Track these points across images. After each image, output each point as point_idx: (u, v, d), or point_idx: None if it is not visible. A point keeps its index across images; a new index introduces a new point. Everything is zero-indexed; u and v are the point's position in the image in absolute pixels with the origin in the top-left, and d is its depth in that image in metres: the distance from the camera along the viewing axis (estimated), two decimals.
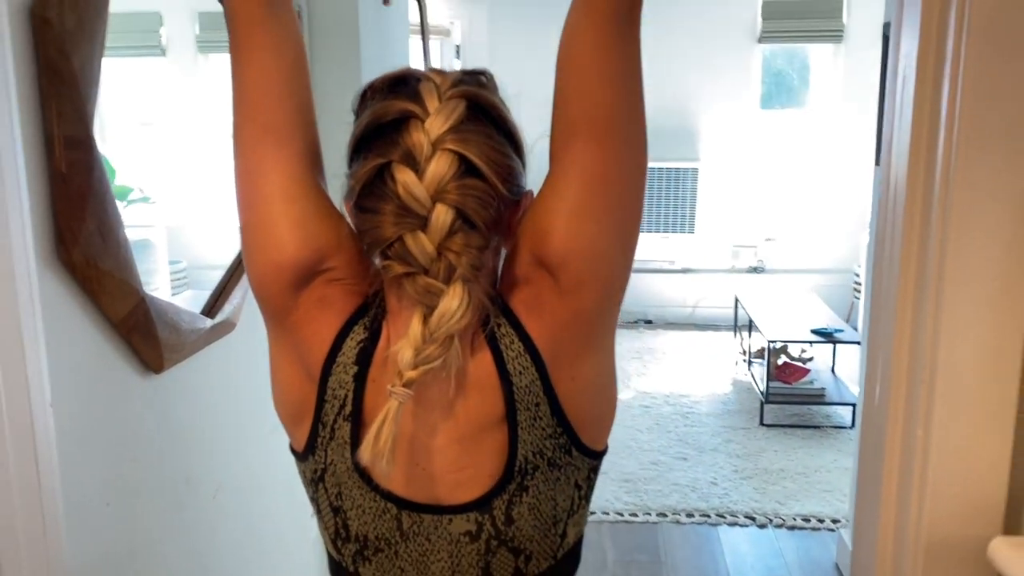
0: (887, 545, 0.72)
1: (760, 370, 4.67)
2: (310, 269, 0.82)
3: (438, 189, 0.74)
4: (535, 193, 0.83)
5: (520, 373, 0.80)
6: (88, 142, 1.08)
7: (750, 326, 4.91)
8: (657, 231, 6.54)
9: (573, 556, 0.91)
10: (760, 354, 4.85)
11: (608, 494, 3.75)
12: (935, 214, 0.63)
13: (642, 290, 6.70)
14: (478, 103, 0.78)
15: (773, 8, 5.86)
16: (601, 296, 0.81)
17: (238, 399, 1.62)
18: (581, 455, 0.85)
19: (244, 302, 1.61)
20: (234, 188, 0.83)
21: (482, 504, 0.83)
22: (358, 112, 0.82)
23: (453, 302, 0.75)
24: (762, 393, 4.45)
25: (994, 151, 0.60)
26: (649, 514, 3.60)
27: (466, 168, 0.75)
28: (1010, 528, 0.68)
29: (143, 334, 1.23)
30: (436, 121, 0.75)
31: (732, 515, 3.56)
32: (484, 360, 0.81)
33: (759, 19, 5.91)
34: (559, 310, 0.80)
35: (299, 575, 1.97)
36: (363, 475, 0.82)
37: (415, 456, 0.82)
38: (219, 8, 0.86)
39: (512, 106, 0.87)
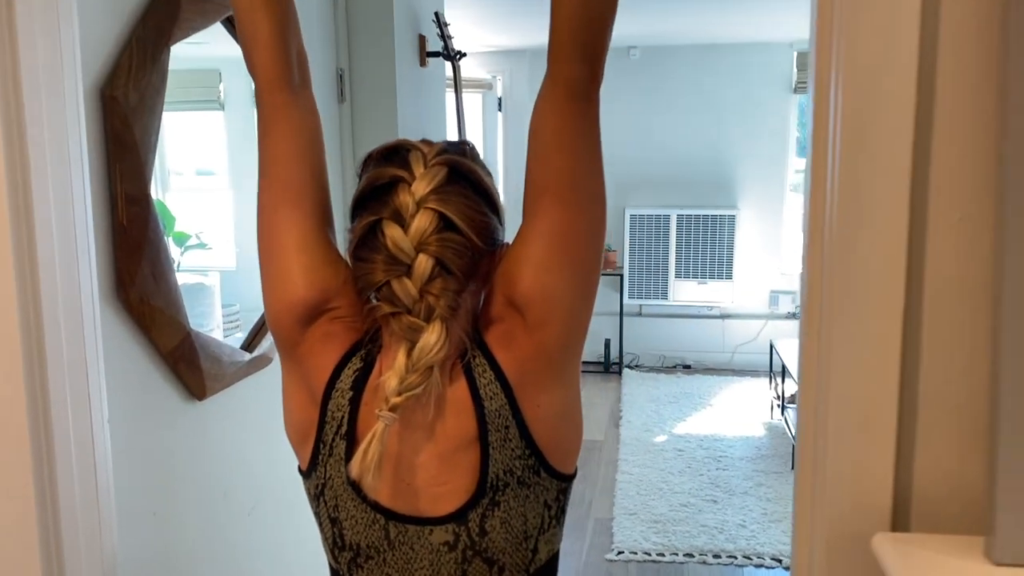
0: (804, 545, 0.83)
1: (794, 415, 4.70)
2: (316, 308, 0.96)
3: (420, 241, 0.87)
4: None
5: (491, 398, 0.92)
6: (145, 199, 1.27)
7: (783, 371, 4.96)
8: (695, 277, 6.62)
9: (546, 573, 1.01)
10: (793, 399, 4.88)
11: (636, 534, 3.82)
12: (827, 258, 0.75)
13: (681, 335, 6.77)
14: (458, 169, 0.92)
15: (808, 59, 5.98)
16: (562, 334, 0.93)
17: (272, 426, 1.78)
18: (549, 476, 0.95)
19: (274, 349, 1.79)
20: (256, 238, 1.00)
21: (459, 516, 0.93)
22: (363, 164, 0.98)
23: (432, 337, 0.87)
24: (794, 438, 4.47)
25: (867, 215, 0.72)
26: (676, 554, 3.65)
27: (445, 224, 0.88)
28: (897, 526, 0.78)
29: (188, 364, 1.41)
30: (420, 184, 0.89)
31: (759, 557, 3.60)
32: (460, 387, 0.93)
33: (794, 70, 6.04)
34: (526, 344, 0.93)
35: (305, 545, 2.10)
36: (355, 488, 0.94)
37: (400, 472, 0.94)
38: None
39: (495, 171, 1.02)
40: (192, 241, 2.37)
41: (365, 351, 0.96)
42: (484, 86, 6.16)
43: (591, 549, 3.74)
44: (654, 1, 4.71)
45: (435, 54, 3.06)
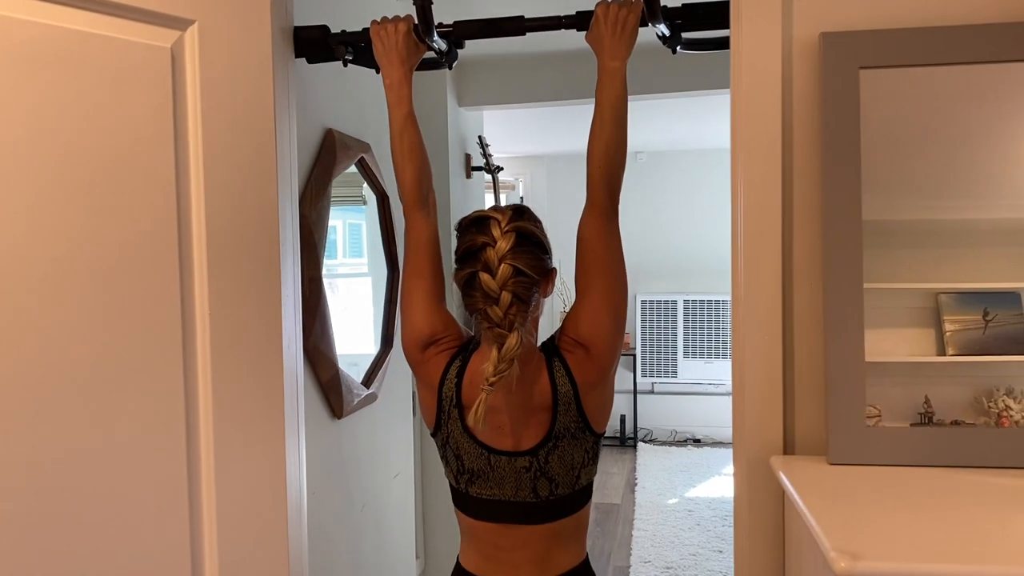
0: (739, 464, 1.45)
1: None
2: (429, 339, 1.57)
3: (502, 284, 1.41)
4: (560, 275, 1.59)
5: (562, 386, 1.50)
6: (319, 278, 1.94)
7: None
8: (702, 357, 7.23)
9: (585, 492, 1.58)
10: None
11: None
12: (741, 309, 1.39)
13: (690, 412, 7.32)
14: (523, 233, 1.45)
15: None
16: (610, 359, 1.53)
17: (376, 444, 2.41)
18: (590, 434, 1.54)
19: (381, 387, 2.44)
20: (400, 299, 1.64)
21: (532, 452, 1.52)
22: (458, 232, 1.55)
23: (512, 341, 1.40)
24: None
25: (758, 281, 1.35)
26: None
27: (517, 272, 1.42)
28: (786, 451, 1.39)
29: (335, 392, 2.05)
30: (501, 247, 1.45)
31: None
32: (544, 379, 1.51)
33: None
34: (589, 367, 1.51)
35: (398, 544, 2.68)
36: (471, 436, 1.54)
37: (501, 426, 1.52)
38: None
39: (545, 218, 1.63)
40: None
41: (460, 361, 1.56)
42: (508, 187, 6.94)
43: None
44: (657, 114, 5.49)
45: (478, 168, 3.79)
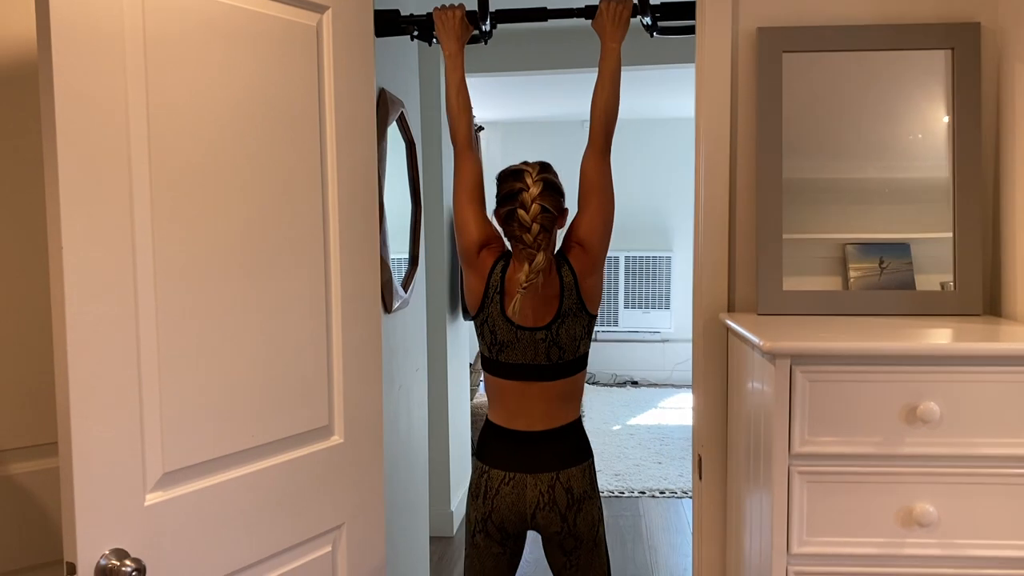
0: (697, 320, 2.13)
1: None
2: (482, 243, 2.19)
3: (534, 218, 2.12)
4: (571, 212, 2.27)
5: (567, 279, 2.16)
6: (382, 204, 2.55)
7: None
8: (640, 308, 7.99)
9: (583, 359, 2.23)
10: None
11: (602, 481, 5.08)
12: (702, 236, 2.11)
13: (630, 357, 8.09)
14: (548, 181, 2.16)
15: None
16: (600, 254, 2.21)
17: (408, 340, 3.03)
18: (586, 314, 2.19)
19: (411, 297, 3.06)
20: (454, 216, 2.28)
21: (547, 327, 2.16)
22: (499, 180, 2.23)
23: (540, 258, 2.10)
24: None
25: (712, 217, 2.06)
26: (632, 492, 4.93)
27: (544, 210, 2.14)
28: (730, 310, 2.10)
29: (388, 291, 2.67)
30: (533, 191, 2.13)
31: (690, 493, 4.89)
32: (555, 277, 2.16)
33: None
34: (585, 260, 2.19)
35: (418, 429, 3.33)
36: (506, 317, 2.17)
37: (526, 310, 2.18)
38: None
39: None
40: None
41: (504, 262, 2.20)
42: None
43: None
44: None
45: None
